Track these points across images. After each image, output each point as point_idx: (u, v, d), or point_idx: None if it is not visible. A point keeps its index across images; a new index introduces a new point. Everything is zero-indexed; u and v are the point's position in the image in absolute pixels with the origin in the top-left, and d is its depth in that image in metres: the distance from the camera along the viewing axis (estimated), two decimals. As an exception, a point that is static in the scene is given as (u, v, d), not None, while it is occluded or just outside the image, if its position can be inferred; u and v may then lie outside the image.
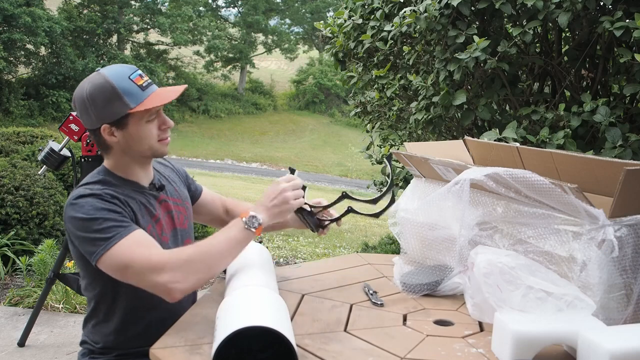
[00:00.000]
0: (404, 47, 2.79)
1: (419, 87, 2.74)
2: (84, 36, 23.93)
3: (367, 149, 3.72)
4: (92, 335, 1.44)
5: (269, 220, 1.34)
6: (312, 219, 1.52)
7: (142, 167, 1.44)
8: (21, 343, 2.82)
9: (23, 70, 22.44)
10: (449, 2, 2.37)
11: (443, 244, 1.42)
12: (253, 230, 1.30)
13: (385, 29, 2.88)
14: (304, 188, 1.45)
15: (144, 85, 1.35)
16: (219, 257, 1.28)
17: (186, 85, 1.46)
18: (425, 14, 2.46)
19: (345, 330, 1.24)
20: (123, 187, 1.38)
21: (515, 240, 1.30)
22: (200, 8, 28.66)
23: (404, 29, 2.68)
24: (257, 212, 1.33)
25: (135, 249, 1.25)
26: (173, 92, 1.38)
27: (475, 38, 2.31)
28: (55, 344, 2.87)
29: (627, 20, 2.11)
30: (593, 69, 2.63)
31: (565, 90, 2.65)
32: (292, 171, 1.49)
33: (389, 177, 1.32)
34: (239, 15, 30.87)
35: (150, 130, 1.38)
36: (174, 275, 1.23)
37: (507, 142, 2.07)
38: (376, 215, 1.50)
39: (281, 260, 5.02)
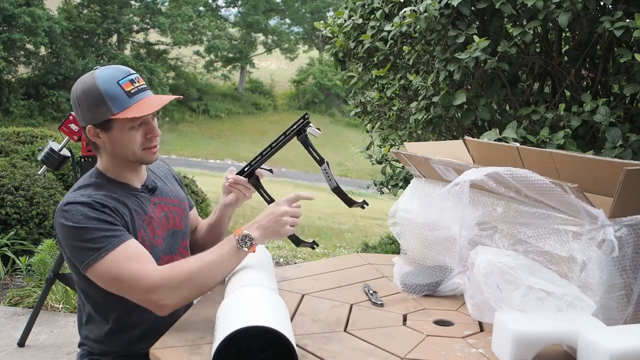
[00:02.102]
0: (404, 47, 2.79)
1: (419, 87, 2.74)
2: (84, 36, 23.91)
3: (367, 149, 3.71)
4: (89, 338, 1.44)
5: (262, 239, 1.32)
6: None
7: (133, 169, 1.43)
8: (21, 343, 2.82)
9: (23, 70, 22.41)
10: (449, 2, 2.37)
11: (443, 244, 1.42)
12: (245, 249, 1.29)
13: (385, 29, 2.88)
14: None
15: (132, 91, 1.33)
16: (209, 278, 1.28)
17: (180, 97, 1.44)
18: (425, 14, 2.46)
19: (345, 330, 1.24)
20: (115, 190, 1.37)
21: (515, 240, 1.30)
22: (200, 8, 28.61)
23: (404, 29, 2.68)
24: (251, 230, 1.31)
25: (126, 264, 1.25)
26: (159, 102, 1.35)
27: (475, 38, 2.31)
28: (55, 344, 2.87)
29: (627, 20, 2.11)
30: (593, 69, 2.63)
31: (565, 90, 2.65)
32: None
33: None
34: (239, 15, 30.84)
35: (133, 138, 1.35)
36: (162, 294, 1.24)
37: (507, 142, 2.07)
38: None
39: (281, 260, 5.02)
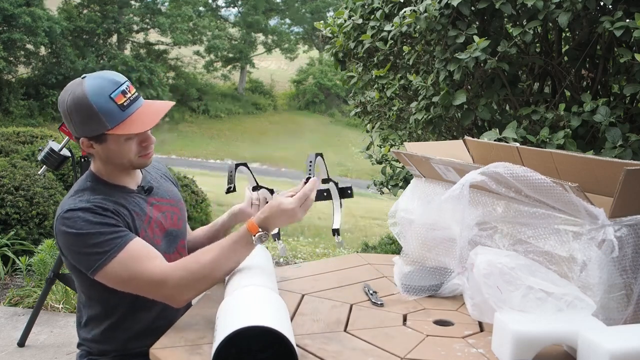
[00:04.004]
0: (404, 47, 2.79)
1: (419, 87, 2.74)
2: (84, 36, 23.91)
3: (367, 149, 3.71)
4: (87, 339, 1.44)
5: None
6: None
7: (127, 173, 1.43)
8: (21, 343, 2.82)
9: (23, 70, 22.41)
10: (449, 2, 2.37)
11: (443, 244, 1.42)
12: (259, 244, 1.31)
13: (385, 29, 2.88)
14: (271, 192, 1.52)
15: (125, 104, 1.29)
16: (222, 270, 1.30)
17: (173, 102, 1.41)
18: (425, 14, 2.46)
19: (345, 330, 1.24)
20: (112, 193, 1.37)
21: (515, 240, 1.30)
22: (200, 8, 28.60)
23: (404, 29, 2.68)
24: (268, 227, 1.31)
25: (136, 263, 1.26)
26: (155, 114, 1.33)
27: (475, 38, 2.31)
28: (55, 344, 2.87)
29: (627, 20, 2.11)
30: (593, 69, 2.63)
31: (565, 90, 2.65)
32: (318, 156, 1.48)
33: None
34: (239, 15, 30.83)
35: (129, 147, 1.35)
36: (177, 289, 1.26)
37: (507, 142, 2.07)
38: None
39: (281, 260, 5.02)
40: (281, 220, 1.31)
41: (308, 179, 1.37)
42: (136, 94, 1.34)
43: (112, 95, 1.28)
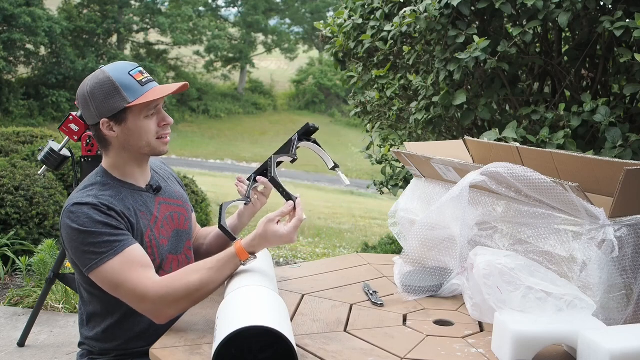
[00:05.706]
0: (404, 47, 2.79)
1: (419, 87, 2.74)
2: (84, 36, 23.93)
3: (367, 149, 3.71)
4: (89, 337, 1.44)
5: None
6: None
7: (140, 166, 1.44)
8: (21, 343, 2.82)
9: (23, 70, 22.42)
10: (449, 2, 2.37)
11: (443, 244, 1.42)
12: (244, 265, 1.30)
13: (385, 29, 2.88)
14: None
15: (143, 81, 1.36)
16: (207, 291, 1.28)
17: (186, 83, 1.46)
18: (425, 14, 2.46)
19: (345, 330, 1.24)
20: (120, 190, 1.38)
21: (515, 240, 1.30)
22: (200, 8, 28.63)
23: (404, 29, 2.68)
24: (255, 249, 1.30)
25: (127, 272, 1.26)
26: (171, 86, 1.39)
27: (475, 38, 2.31)
28: (55, 344, 2.87)
29: (627, 20, 2.11)
30: (593, 69, 2.63)
31: (565, 90, 2.65)
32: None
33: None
34: (239, 15, 30.85)
35: (148, 126, 1.37)
36: (159, 306, 1.26)
37: (507, 142, 2.07)
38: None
39: (281, 260, 5.02)
40: (277, 244, 1.31)
41: (294, 201, 1.35)
42: (150, 77, 1.41)
43: (130, 73, 1.36)
